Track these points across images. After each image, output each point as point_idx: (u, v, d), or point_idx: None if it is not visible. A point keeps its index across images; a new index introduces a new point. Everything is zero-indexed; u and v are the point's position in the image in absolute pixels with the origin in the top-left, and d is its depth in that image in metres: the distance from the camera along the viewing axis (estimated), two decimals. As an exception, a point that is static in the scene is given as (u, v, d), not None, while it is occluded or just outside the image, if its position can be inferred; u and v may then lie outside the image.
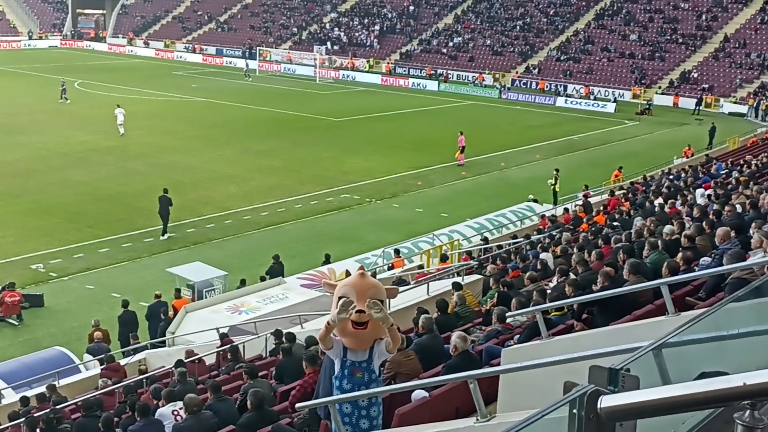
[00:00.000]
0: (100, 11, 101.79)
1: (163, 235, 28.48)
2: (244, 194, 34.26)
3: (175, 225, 29.59)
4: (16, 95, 56.65)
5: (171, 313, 19.93)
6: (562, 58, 72.80)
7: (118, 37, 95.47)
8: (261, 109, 55.68)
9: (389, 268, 23.40)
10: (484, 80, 71.48)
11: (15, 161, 38.05)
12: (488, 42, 77.66)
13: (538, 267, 16.54)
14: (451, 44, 78.82)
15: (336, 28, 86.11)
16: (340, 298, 5.34)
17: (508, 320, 11.12)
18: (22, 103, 53.70)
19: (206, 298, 21.06)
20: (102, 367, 16.54)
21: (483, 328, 12.24)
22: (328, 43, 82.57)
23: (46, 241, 27.67)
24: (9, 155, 39.05)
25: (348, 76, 75.38)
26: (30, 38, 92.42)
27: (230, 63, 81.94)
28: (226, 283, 22.41)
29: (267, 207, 32.64)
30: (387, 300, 5.46)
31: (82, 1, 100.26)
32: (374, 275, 4.83)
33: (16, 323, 21.69)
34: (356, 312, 5.26)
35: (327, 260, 24.37)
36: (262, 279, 22.31)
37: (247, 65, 74.89)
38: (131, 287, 23.66)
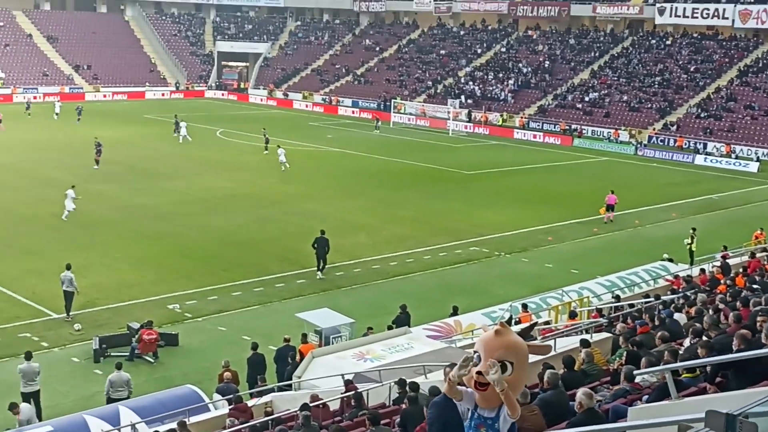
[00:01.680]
0: (244, 64, 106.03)
1: (320, 272, 29.83)
2: (374, 243, 34.67)
3: (307, 271, 30.24)
4: (162, 143, 59.37)
5: (298, 357, 20.25)
6: (702, 115, 70.86)
7: (259, 89, 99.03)
8: (394, 160, 56.44)
9: (516, 323, 23.10)
10: (619, 136, 70.30)
11: (158, 205, 39.81)
12: (625, 98, 76.50)
13: (671, 328, 16.00)
14: (586, 99, 78.06)
15: (471, 82, 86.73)
16: (474, 351, 5.18)
17: (637, 380, 10.80)
18: (168, 150, 56.23)
19: (333, 344, 21.29)
20: (230, 407, 16.93)
21: (610, 387, 11.92)
22: (462, 97, 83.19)
23: (183, 282, 28.71)
24: (154, 199, 40.89)
25: (481, 130, 75.59)
26: (177, 89, 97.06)
27: (365, 115, 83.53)
28: (353, 331, 22.60)
29: (396, 257, 32.90)
30: (520, 361, 5.14)
31: (228, 54, 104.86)
32: (527, 332, 4.44)
33: (152, 361, 22.50)
34: (476, 373, 5.08)
35: (454, 312, 24.29)
36: (389, 328, 22.41)
37: (377, 118, 76.15)
38: (261, 330, 24.22)
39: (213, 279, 29.19)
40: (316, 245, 29.94)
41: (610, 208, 40.03)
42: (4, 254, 31.15)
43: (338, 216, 38.62)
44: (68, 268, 25.24)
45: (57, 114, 70.00)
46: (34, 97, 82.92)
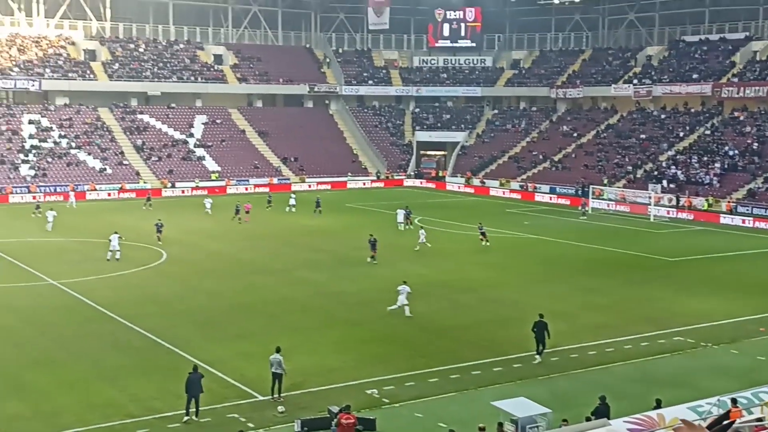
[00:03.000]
0: (442, 152, 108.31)
1: (538, 355, 30.17)
2: (571, 331, 34.02)
3: (503, 359, 30.12)
4: (363, 230, 61.09)
5: (493, 446, 20.11)
6: None
7: (456, 176, 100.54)
8: (592, 246, 55.47)
9: (724, 419, 21.88)
10: (839, 220, 65.86)
11: (359, 291, 40.98)
12: (844, 179, 71.82)
13: None
14: (800, 181, 73.89)
15: (673, 166, 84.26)
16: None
17: None
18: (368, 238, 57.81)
19: (528, 434, 21.00)
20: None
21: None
22: (664, 181, 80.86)
23: (381, 368, 29.25)
24: (355, 286, 42.17)
25: (685, 215, 73.02)
26: (377, 178, 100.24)
27: (562, 201, 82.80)
28: (550, 421, 22.19)
29: (595, 346, 32.13)
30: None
31: (426, 143, 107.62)
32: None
33: (351, 444, 22.96)
34: None
35: (657, 405, 23.33)
36: (587, 419, 21.83)
37: (583, 204, 75.26)
38: (457, 418, 24.19)
39: (410, 365, 29.55)
40: (535, 329, 30.35)
41: None
42: (217, 338, 32.96)
43: (534, 303, 38.12)
44: (278, 350, 26.40)
45: (291, 206, 73.27)
46: (245, 188, 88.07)
